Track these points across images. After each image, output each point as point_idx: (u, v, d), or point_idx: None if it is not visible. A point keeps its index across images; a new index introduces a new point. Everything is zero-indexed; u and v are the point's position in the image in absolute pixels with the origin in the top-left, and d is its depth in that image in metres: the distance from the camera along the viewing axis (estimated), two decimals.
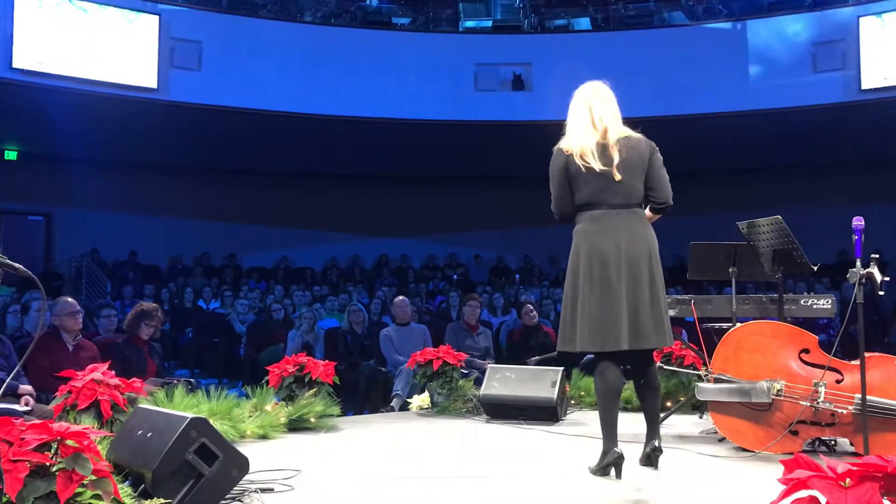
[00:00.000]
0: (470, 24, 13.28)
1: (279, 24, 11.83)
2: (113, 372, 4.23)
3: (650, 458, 3.70)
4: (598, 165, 3.61)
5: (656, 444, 3.68)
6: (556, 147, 3.79)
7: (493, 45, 12.44)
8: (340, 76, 11.57)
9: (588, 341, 3.59)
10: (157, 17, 11.05)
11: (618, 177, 3.60)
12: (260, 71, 11.35)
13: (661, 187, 3.72)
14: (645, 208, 3.78)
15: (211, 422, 3.49)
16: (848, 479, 1.65)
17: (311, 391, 5.34)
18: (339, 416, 5.50)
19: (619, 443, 3.64)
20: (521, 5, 13.75)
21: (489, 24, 13.33)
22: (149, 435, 3.37)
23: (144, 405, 3.98)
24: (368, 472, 4.06)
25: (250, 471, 3.45)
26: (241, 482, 3.40)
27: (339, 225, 14.92)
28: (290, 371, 5.40)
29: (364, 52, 11.74)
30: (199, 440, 3.23)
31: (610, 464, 3.66)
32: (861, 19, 10.97)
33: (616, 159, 3.61)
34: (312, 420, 5.22)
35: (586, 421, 5.54)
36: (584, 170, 3.63)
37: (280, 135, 12.40)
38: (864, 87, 10.90)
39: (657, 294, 3.60)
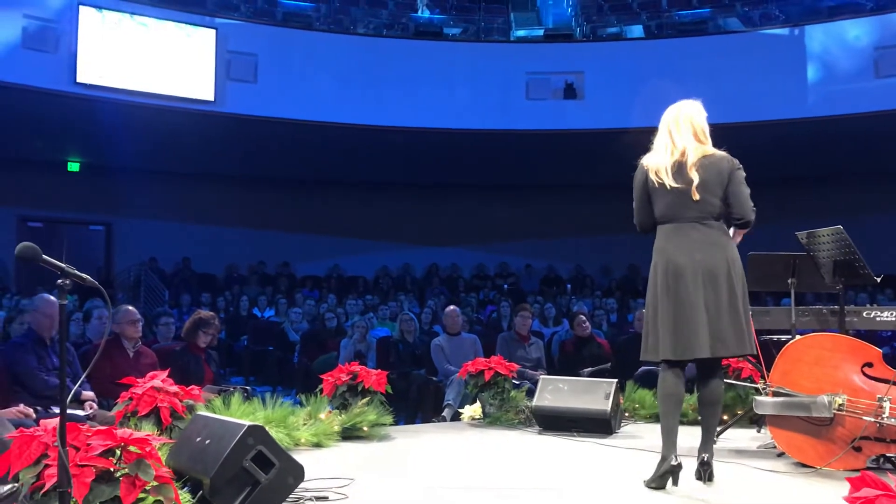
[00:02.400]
0: (521, 33, 13.27)
1: (332, 37, 11.99)
2: (172, 379, 4.32)
3: (700, 473, 3.72)
4: (671, 182, 3.79)
5: (705, 458, 3.70)
6: (640, 160, 3.97)
7: (545, 53, 12.41)
8: (392, 87, 11.66)
9: (668, 350, 3.72)
10: (213, 31, 11.29)
11: (696, 196, 3.78)
12: (313, 82, 11.51)
13: (738, 203, 3.83)
14: (728, 226, 3.90)
15: (267, 429, 3.54)
16: None
17: (364, 400, 5.37)
18: (391, 425, 5.51)
19: (678, 453, 3.65)
20: (572, 14, 13.70)
21: (540, 32, 13.31)
22: (207, 442, 3.41)
23: (202, 412, 4.05)
24: (421, 483, 4.06)
25: (305, 479, 3.48)
26: (296, 490, 3.43)
27: (390, 234, 15.01)
28: (343, 380, 5.43)
29: (415, 62, 11.81)
30: (256, 448, 3.28)
31: (666, 472, 3.66)
32: None
33: (696, 180, 3.79)
34: (365, 429, 5.24)
35: (641, 434, 5.47)
36: (657, 185, 3.83)
37: (333, 145, 12.55)
38: None
39: (736, 303, 3.72)
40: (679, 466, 3.64)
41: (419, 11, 13.36)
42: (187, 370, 5.83)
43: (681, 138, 3.90)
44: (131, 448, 2.62)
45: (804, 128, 11.40)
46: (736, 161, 3.90)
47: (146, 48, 10.98)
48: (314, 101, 11.42)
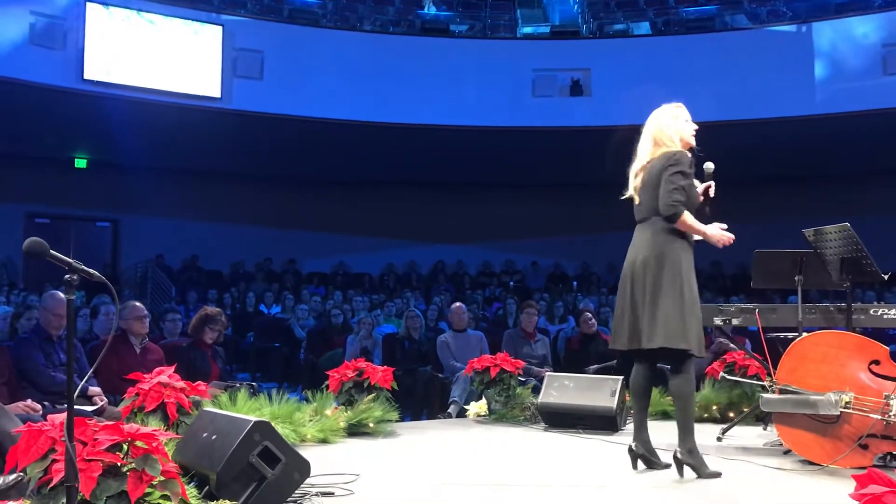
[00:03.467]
0: (527, 30, 13.25)
1: (339, 34, 12.00)
2: (178, 375, 4.34)
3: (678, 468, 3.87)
4: (630, 189, 4.10)
5: (676, 453, 3.84)
6: None
7: (551, 50, 12.39)
8: (399, 84, 11.66)
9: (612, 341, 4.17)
10: (220, 28, 11.31)
11: (637, 200, 4.06)
12: (320, 79, 11.52)
13: (660, 198, 3.93)
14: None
15: (273, 425, 3.55)
16: None
17: (370, 396, 5.39)
18: (397, 421, 5.53)
19: (650, 440, 4.03)
20: (579, 11, 13.67)
21: (547, 29, 13.28)
22: (213, 437, 3.43)
23: (209, 408, 4.07)
24: (427, 479, 4.07)
25: (311, 474, 3.49)
26: (302, 486, 3.44)
27: (396, 231, 15.02)
28: (349, 376, 5.45)
29: (422, 59, 11.81)
30: (262, 443, 3.29)
31: (630, 457, 4.03)
32: None
33: (638, 184, 4.06)
34: (371, 425, 5.26)
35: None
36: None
37: (339, 142, 12.56)
38: None
39: (657, 299, 3.83)
40: (631, 451, 4.01)
41: (425, 8, 13.35)
42: (194, 366, 5.85)
43: (642, 145, 4.10)
44: (138, 443, 2.63)
45: (812, 125, 11.36)
46: (673, 157, 3.91)
47: (153, 45, 11.00)
48: (320, 98, 11.43)
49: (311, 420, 5.04)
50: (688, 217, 3.88)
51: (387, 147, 12.79)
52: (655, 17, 13.21)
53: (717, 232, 3.96)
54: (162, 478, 2.63)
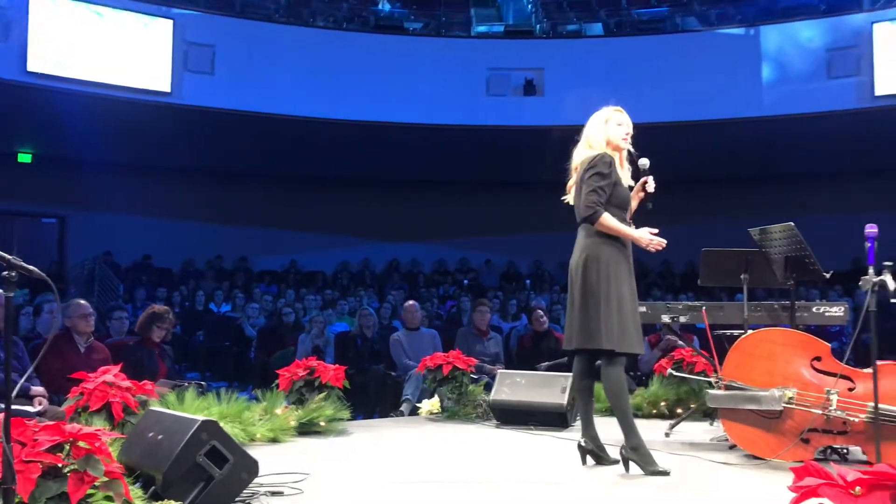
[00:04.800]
0: (482, 28, 13.29)
1: (292, 29, 11.88)
2: (124, 374, 4.26)
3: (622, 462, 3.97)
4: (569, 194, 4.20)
5: (622, 450, 3.94)
6: None
7: (505, 50, 12.44)
8: (352, 81, 11.59)
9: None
10: (171, 22, 11.11)
11: (569, 203, 4.18)
12: (272, 75, 11.39)
13: (578, 203, 4.07)
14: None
15: (221, 425, 3.51)
16: (858, 488, 1.65)
17: (321, 395, 5.36)
18: (348, 420, 5.51)
19: (598, 436, 4.13)
20: (533, 10, 13.75)
21: (501, 28, 13.34)
22: (160, 437, 3.39)
23: (156, 407, 4.00)
24: (377, 477, 4.06)
25: (260, 474, 3.47)
26: (250, 485, 3.42)
27: (350, 229, 14.94)
28: (300, 375, 5.42)
29: (376, 56, 11.76)
30: (209, 443, 3.26)
31: (580, 452, 4.13)
32: (875, 25, 10.92)
33: (570, 188, 4.17)
34: (322, 424, 5.24)
35: (597, 426, 5.52)
36: None
37: (292, 139, 12.45)
38: (877, 93, 10.84)
39: (587, 301, 3.94)
40: (580, 447, 4.10)
41: (380, 5, 13.30)
42: (141, 365, 5.75)
43: (577, 148, 4.17)
44: (80, 443, 2.57)
45: (759, 127, 11.60)
46: (591, 160, 4.00)
47: (101, 37, 10.76)
48: (273, 94, 11.31)
49: (260, 419, 5.00)
50: (607, 219, 3.93)
51: (340, 144, 12.71)
52: (608, 18, 13.35)
53: (645, 235, 3.98)
54: (105, 478, 2.58)
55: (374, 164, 13.98)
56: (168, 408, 4.25)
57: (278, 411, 5.15)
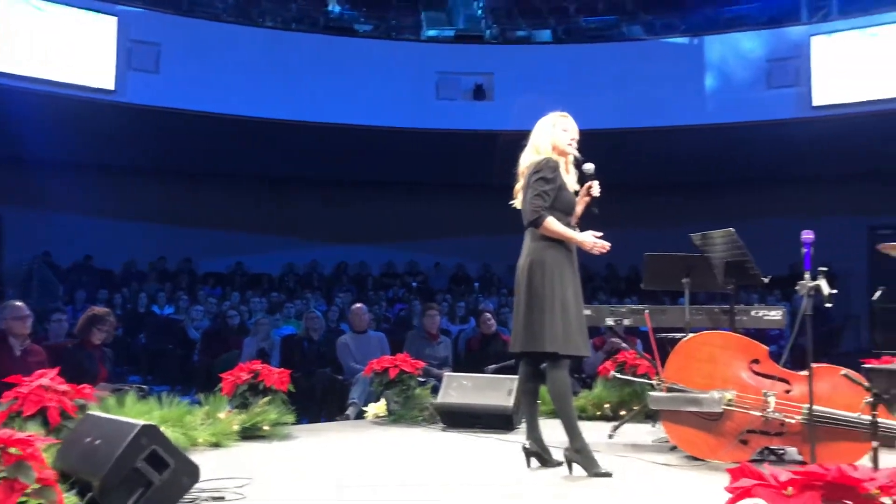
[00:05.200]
0: (432, 32, 13.31)
1: (239, 29, 11.73)
2: (62, 378, 4.15)
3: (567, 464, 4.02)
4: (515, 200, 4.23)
5: (565, 452, 3.99)
6: None
7: (455, 54, 12.48)
8: (301, 81, 11.50)
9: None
10: (115, 19, 10.87)
11: (517, 206, 4.21)
12: (219, 75, 11.23)
13: (524, 208, 4.11)
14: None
15: (162, 429, 3.46)
16: (790, 488, 1.69)
17: (266, 399, 5.30)
18: (293, 424, 5.46)
19: (542, 438, 4.18)
20: (483, 16, 13.82)
21: (451, 33, 13.37)
22: (98, 442, 3.32)
23: (94, 412, 3.92)
24: (321, 480, 4.04)
25: (201, 479, 3.43)
26: (191, 490, 3.38)
27: (297, 231, 14.80)
28: (244, 378, 5.35)
29: (325, 58, 11.68)
30: (149, 447, 3.21)
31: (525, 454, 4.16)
32: (812, 38, 11.24)
33: (518, 191, 4.20)
34: (266, 428, 5.18)
35: (542, 428, 5.57)
36: None
37: (238, 139, 12.28)
38: (815, 103, 11.16)
39: (532, 304, 3.98)
40: (525, 449, 4.13)
41: (329, 7, 13.23)
42: (80, 368, 5.62)
43: (524, 152, 4.22)
44: (11, 450, 2.50)
45: (702, 134, 11.83)
46: (536, 165, 4.05)
47: (41, 32, 10.47)
48: (219, 94, 11.15)
49: (203, 423, 4.91)
50: (551, 222, 3.98)
51: (288, 145, 12.60)
52: (556, 26, 13.49)
53: (589, 239, 4.04)
54: (37, 485, 2.51)
55: (321, 166, 13.89)
56: (107, 412, 4.16)
57: (221, 415, 5.07)
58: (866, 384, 3.84)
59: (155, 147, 12.80)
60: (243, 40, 11.49)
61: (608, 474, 3.92)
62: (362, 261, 15.05)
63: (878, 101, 10.79)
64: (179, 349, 9.69)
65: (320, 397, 7.48)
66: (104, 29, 10.79)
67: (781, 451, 4.53)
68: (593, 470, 3.92)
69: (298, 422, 5.76)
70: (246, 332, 9.09)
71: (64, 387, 4.07)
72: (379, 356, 6.58)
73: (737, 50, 11.80)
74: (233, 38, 11.45)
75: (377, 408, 6.24)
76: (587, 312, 5.02)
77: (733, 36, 11.94)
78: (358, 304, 8.21)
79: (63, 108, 10.72)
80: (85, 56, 10.64)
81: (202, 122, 11.40)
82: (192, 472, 3.36)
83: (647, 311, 5.38)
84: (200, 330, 9.94)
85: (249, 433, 5.12)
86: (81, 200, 13.41)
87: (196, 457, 3.61)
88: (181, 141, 12.50)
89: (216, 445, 4.83)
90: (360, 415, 6.56)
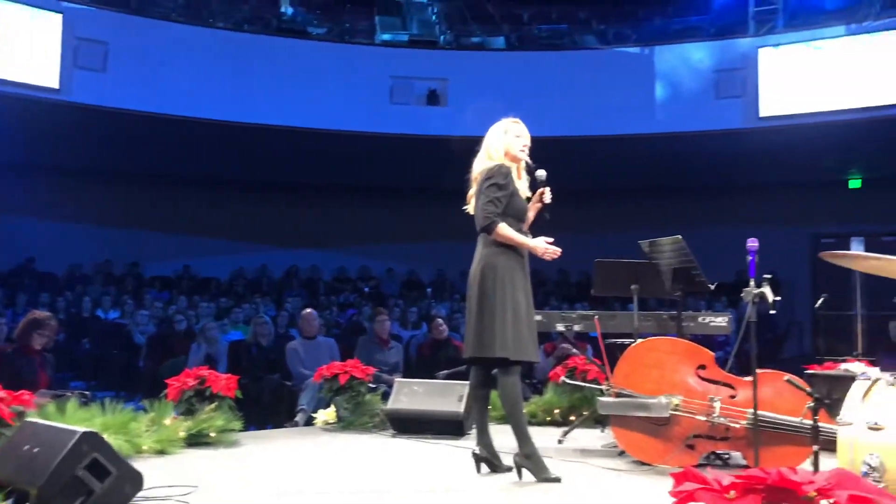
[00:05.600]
0: (386, 37, 13.28)
1: (189, 29, 11.54)
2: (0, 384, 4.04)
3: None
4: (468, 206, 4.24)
5: (515, 457, 3.99)
6: None
7: (409, 59, 12.46)
8: (252, 84, 11.36)
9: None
10: (60, 16, 10.62)
11: (470, 212, 4.22)
12: (168, 75, 11.04)
13: (476, 214, 4.12)
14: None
15: (104, 436, 3.40)
16: (732, 492, 1.72)
17: (212, 405, 5.22)
18: (240, 430, 5.38)
19: (491, 443, 4.18)
20: (437, 21, 13.85)
21: (405, 38, 13.36)
22: (36, 450, 3.24)
23: (33, 419, 3.82)
24: (268, 488, 3.98)
25: (145, 487, 3.38)
26: (134, 498, 3.32)
27: (247, 234, 14.61)
28: (190, 384, 5.26)
29: (277, 60, 11.56)
30: (90, 455, 3.15)
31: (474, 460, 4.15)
32: (760, 50, 11.48)
33: (469, 198, 4.22)
34: (212, 435, 5.10)
35: (492, 434, 5.58)
36: None
37: (188, 141, 12.09)
38: (761, 114, 11.41)
39: (483, 310, 3.99)
40: (475, 455, 4.13)
41: (282, 8, 13.10)
42: (19, 374, 5.48)
43: (476, 158, 4.23)
44: None
45: (651, 143, 12.00)
46: (489, 171, 4.07)
47: None
48: (168, 94, 10.96)
49: (147, 430, 4.83)
50: (503, 228, 3.99)
51: (239, 147, 12.44)
52: (510, 33, 13.58)
53: (541, 244, 4.07)
54: None
55: (273, 168, 13.75)
56: (47, 419, 4.05)
57: (167, 422, 4.99)
58: (808, 389, 3.94)
59: (101, 148, 12.53)
60: (194, 41, 11.31)
61: (557, 479, 3.94)
62: (314, 265, 14.93)
63: (822, 112, 11.07)
64: (124, 354, 9.51)
65: (268, 404, 7.39)
66: (49, 26, 10.53)
67: (727, 456, 4.60)
68: (542, 475, 3.94)
69: (246, 429, 5.68)
70: (193, 338, 8.94)
71: (1, 393, 3.97)
72: (329, 362, 6.52)
73: (686, 60, 12.00)
74: (183, 38, 11.27)
75: (326, 414, 6.18)
76: (538, 318, 5.07)
77: (683, 47, 12.14)
78: (308, 310, 8.14)
79: (4, 107, 10.43)
80: (28, 53, 10.36)
81: (150, 123, 11.19)
82: (136, 480, 3.30)
83: (596, 317, 5.44)
84: (146, 335, 9.76)
85: (195, 440, 5.05)
86: (24, 202, 13.05)
87: (140, 464, 3.54)
88: (129, 142, 12.26)
89: (161, 453, 4.75)
90: (309, 421, 6.49)
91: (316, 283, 14.35)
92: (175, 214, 14.01)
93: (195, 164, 13.54)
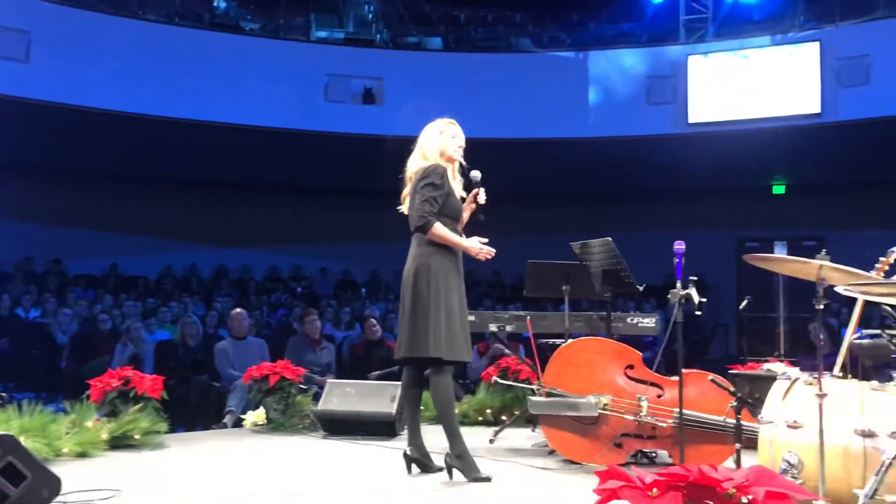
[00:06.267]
0: (322, 34, 13.17)
1: (119, 20, 11.21)
2: None
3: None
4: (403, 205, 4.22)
5: (446, 457, 4.00)
6: None
7: (345, 57, 12.38)
8: (183, 78, 11.10)
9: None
10: None
11: (404, 212, 4.20)
12: (94, 67, 10.70)
13: (411, 213, 4.12)
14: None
15: (21, 439, 3.29)
16: (655, 489, 1.74)
17: (137, 407, 5.09)
18: (166, 432, 5.27)
19: (423, 444, 4.16)
20: (374, 20, 13.79)
21: (341, 35, 13.27)
22: None
23: None
24: (193, 492, 3.90)
25: (64, 491, 3.29)
26: (52, 503, 3.19)
27: (176, 232, 14.28)
28: (113, 385, 5.13)
29: (209, 55, 11.33)
30: (4, 459, 3.05)
31: (405, 461, 4.13)
32: (690, 58, 11.77)
33: (405, 197, 4.21)
34: (137, 437, 4.98)
35: (424, 434, 5.57)
36: None
37: (115, 135, 11.74)
38: (690, 120, 11.69)
39: (416, 310, 3.99)
40: (406, 456, 4.11)
41: (215, 2, 12.86)
42: None
43: (411, 158, 4.22)
44: None
45: (584, 147, 12.17)
46: (425, 171, 4.08)
47: None
48: (95, 87, 10.63)
49: (68, 433, 4.68)
50: (438, 228, 4.01)
51: (168, 143, 12.15)
52: (447, 33, 13.61)
53: (475, 244, 4.10)
54: None
55: (204, 165, 13.48)
56: None
57: (89, 424, 4.85)
58: (731, 389, 4.04)
59: (23, 141, 12.08)
60: (121, 32, 10.99)
61: (487, 479, 3.96)
62: (245, 264, 14.69)
63: (748, 120, 11.42)
64: (45, 355, 9.19)
65: (196, 405, 7.25)
66: None
67: (654, 454, 4.69)
68: (472, 475, 3.95)
69: (173, 431, 5.58)
70: (118, 337, 8.71)
71: None
72: (259, 363, 6.42)
73: (619, 66, 12.22)
74: (110, 29, 10.94)
75: (256, 416, 6.08)
76: (471, 318, 5.10)
77: (616, 52, 12.35)
78: (237, 309, 8.00)
79: None
80: None
81: (75, 117, 10.84)
82: (53, 485, 3.20)
83: (528, 318, 5.49)
84: (69, 334, 9.45)
85: (119, 442, 4.93)
86: None
87: (60, 468, 3.43)
88: (52, 135, 11.86)
89: (83, 455, 4.62)
90: (237, 423, 6.38)
91: (247, 282, 14.12)
92: (102, 211, 13.60)
93: (123, 160, 13.17)
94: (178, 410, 6.43)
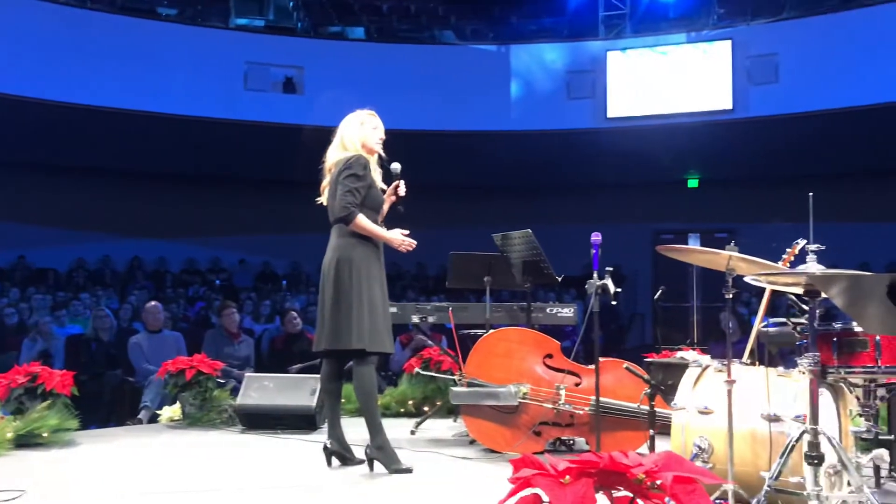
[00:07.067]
0: (241, 21, 12.89)
1: (24, 1, 10.74)
2: None
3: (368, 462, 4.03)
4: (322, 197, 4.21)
5: (367, 449, 4.01)
6: None
7: (265, 45, 12.15)
8: (96, 64, 10.69)
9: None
10: None
11: (324, 203, 4.19)
12: (0, 51, 10.23)
13: (334, 203, 4.09)
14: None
15: None
16: (567, 476, 1.77)
17: (45, 403, 4.92)
18: (77, 430, 5.10)
19: (344, 437, 4.15)
20: (294, 8, 13.58)
21: (262, 23, 13.03)
22: None
23: None
24: (103, 490, 3.79)
25: None
26: None
27: (88, 223, 13.78)
28: (19, 381, 4.95)
29: (122, 40, 10.94)
30: None
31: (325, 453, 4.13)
32: (609, 53, 11.98)
33: (325, 189, 4.18)
34: (45, 435, 4.81)
35: (344, 427, 5.54)
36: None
37: (22, 123, 11.25)
38: (609, 115, 11.91)
39: (339, 302, 3.96)
40: (326, 449, 4.10)
41: None
42: None
43: (331, 149, 4.21)
44: None
45: (505, 140, 12.28)
46: (347, 162, 4.06)
47: None
48: (1, 72, 10.16)
49: None
50: (361, 220, 4.00)
51: (79, 130, 11.71)
52: (369, 24, 13.51)
53: (397, 236, 4.11)
54: None
55: (118, 154, 13.03)
56: None
57: None
58: (645, 377, 4.14)
59: None
60: (29, 15, 10.52)
61: (408, 470, 3.96)
62: (161, 256, 14.31)
63: (664, 115, 11.70)
64: None
65: (109, 401, 7.03)
66: None
67: (571, 442, 4.77)
68: (393, 466, 3.95)
69: (86, 427, 5.41)
70: (26, 332, 8.37)
71: None
72: (175, 356, 6.27)
73: (540, 60, 12.34)
74: (16, 10, 10.46)
75: (171, 411, 5.96)
76: (393, 310, 5.10)
77: (538, 47, 12.47)
78: (152, 302, 7.79)
79: None
80: None
81: None
82: None
83: (450, 309, 5.51)
84: None
85: (25, 441, 4.75)
86: None
87: None
88: None
89: None
90: (153, 419, 6.23)
91: (163, 274, 13.78)
92: (8, 201, 13.01)
93: (33, 148, 12.63)
94: (91, 407, 6.24)
